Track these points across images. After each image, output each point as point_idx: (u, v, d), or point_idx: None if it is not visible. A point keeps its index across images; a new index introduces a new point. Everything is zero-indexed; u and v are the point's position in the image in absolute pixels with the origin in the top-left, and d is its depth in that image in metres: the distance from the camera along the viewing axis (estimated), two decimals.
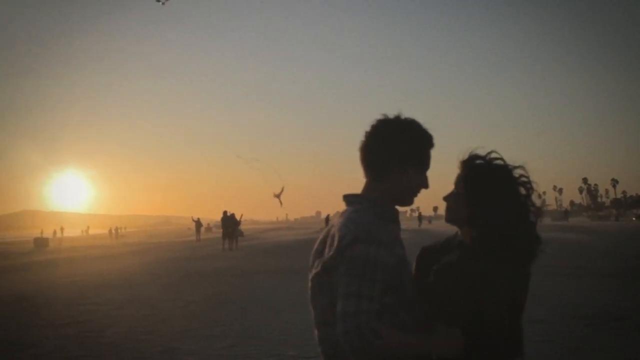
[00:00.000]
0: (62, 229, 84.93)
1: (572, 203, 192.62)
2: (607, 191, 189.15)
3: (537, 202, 2.38)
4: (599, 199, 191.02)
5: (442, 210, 2.60)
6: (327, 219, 54.75)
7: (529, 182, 2.34)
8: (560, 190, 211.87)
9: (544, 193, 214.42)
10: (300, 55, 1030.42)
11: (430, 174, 2.39)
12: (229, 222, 32.64)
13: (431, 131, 2.36)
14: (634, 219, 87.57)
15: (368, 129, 2.35)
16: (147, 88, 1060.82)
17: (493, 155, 2.36)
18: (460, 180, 2.39)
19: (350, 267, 2.08)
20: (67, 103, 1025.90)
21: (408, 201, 2.39)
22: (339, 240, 2.15)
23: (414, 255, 2.50)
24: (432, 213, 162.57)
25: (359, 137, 2.37)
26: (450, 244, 2.48)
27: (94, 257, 29.27)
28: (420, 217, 72.66)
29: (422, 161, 2.34)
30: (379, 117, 2.36)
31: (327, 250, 2.22)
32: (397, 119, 2.33)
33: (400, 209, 2.39)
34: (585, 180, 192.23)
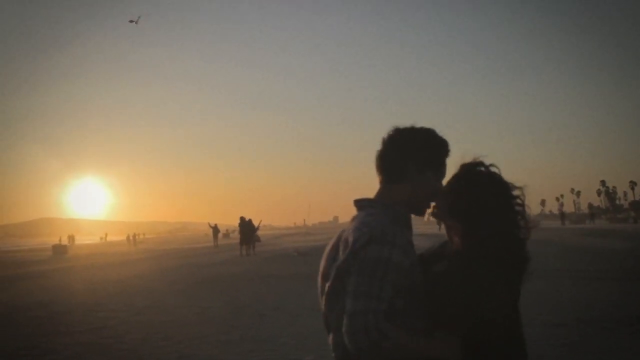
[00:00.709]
0: (71, 237, 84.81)
1: (590, 206, 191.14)
2: (625, 193, 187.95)
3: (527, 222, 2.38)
4: (617, 202, 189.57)
5: None
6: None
7: (523, 204, 2.35)
8: (578, 193, 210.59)
9: (562, 196, 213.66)
10: (321, 62, 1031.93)
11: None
12: (247, 228, 32.71)
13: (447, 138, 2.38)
14: None
15: (385, 136, 2.37)
16: (167, 95, 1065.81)
17: (493, 169, 2.37)
18: (457, 180, 2.39)
19: (362, 267, 2.08)
20: (86, 110, 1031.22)
21: (421, 209, 2.39)
22: (352, 243, 2.15)
23: None
24: None
25: (376, 141, 2.39)
26: (443, 250, 2.49)
27: (112, 264, 29.41)
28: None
29: (438, 168, 2.35)
30: (396, 126, 2.38)
31: (340, 254, 2.22)
32: (414, 127, 2.37)
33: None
34: (603, 182, 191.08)
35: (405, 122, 2.40)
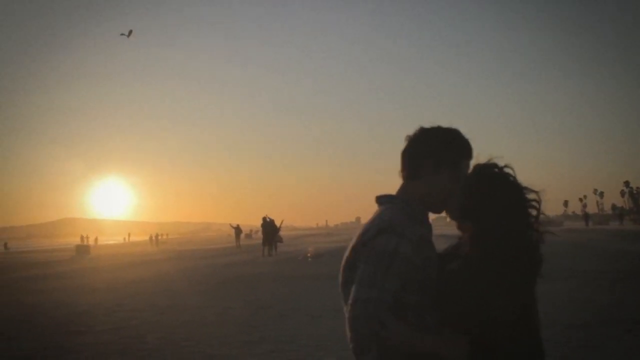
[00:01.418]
0: (85, 237, 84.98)
1: (613, 206, 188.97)
2: None
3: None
4: None
5: None
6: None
7: (538, 208, 2.33)
8: (602, 194, 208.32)
9: (585, 197, 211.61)
10: (343, 63, 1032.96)
11: None
12: (269, 228, 32.76)
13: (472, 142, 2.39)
14: None
15: (409, 134, 2.40)
16: (193, 96, 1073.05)
17: (507, 170, 2.36)
18: (469, 181, 2.37)
19: (369, 257, 2.11)
20: (110, 111, 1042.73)
21: (438, 207, 2.39)
22: (362, 234, 2.21)
23: None
24: None
25: (401, 141, 2.42)
26: (458, 249, 2.48)
27: (134, 264, 29.64)
28: None
29: (454, 168, 2.33)
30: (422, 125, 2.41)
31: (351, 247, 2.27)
32: (439, 127, 2.38)
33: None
34: (627, 183, 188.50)
35: (430, 122, 2.41)
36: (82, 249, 51.72)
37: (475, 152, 2.40)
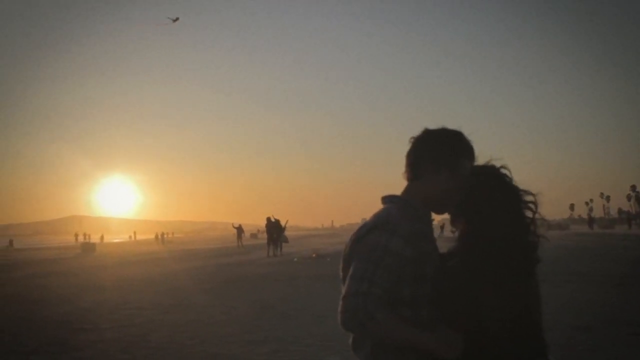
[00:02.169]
0: (87, 235, 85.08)
1: (620, 210, 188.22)
2: None
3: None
4: None
5: None
6: None
7: (534, 210, 2.38)
8: (608, 198, 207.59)
9: (591, 200, 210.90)
10: (347, 63, 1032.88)
11: None
12: (274, 229, 32.78)
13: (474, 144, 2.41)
14: None
15: (413, 136, 2.44)
16: (199, 96, 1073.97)
17: (503, 171, 2.42)
18: (469, 182, 2.39)
19: (361, 252, 2.17)
20: (116, 110, 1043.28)
21: (439, 208, 2.41)
22: (357, 231, 2.27)
23: None
24: None
25: (406, 142, 2.45)
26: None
27: (139, 262, 29.73)
28: None
29: (454, 169, 2.34)
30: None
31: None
32: (443, 128, 2.41)
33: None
34: (633, 187, 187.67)
35: (439, 124, 2.43)
36: (88, 247, 51.72)
37: (477, 154, 2.42)
